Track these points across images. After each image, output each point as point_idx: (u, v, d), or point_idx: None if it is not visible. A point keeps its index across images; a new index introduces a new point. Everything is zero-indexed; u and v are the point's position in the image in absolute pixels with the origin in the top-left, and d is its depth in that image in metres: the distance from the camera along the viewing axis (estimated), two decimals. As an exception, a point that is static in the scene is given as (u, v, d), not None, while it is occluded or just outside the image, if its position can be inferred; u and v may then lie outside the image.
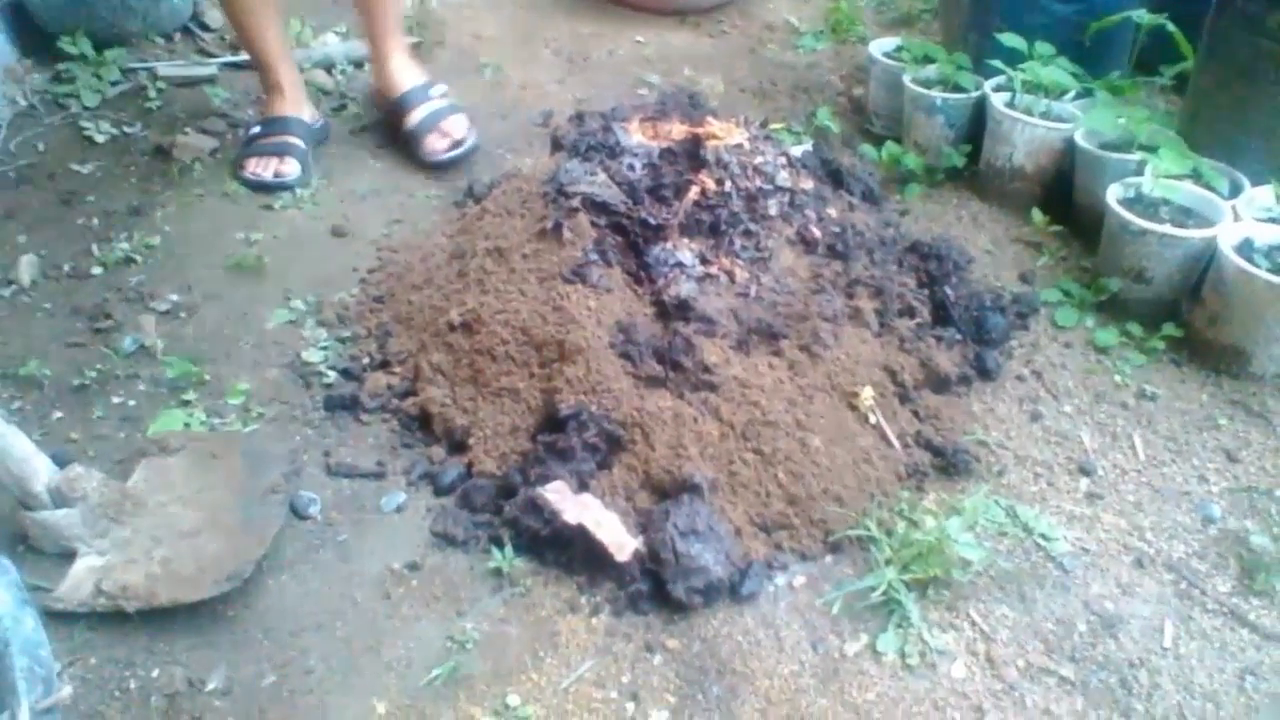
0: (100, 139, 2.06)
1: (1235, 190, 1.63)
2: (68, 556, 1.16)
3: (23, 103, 2.14)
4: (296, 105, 2.06)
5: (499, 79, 2.42)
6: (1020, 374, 1.52)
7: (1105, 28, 1.94)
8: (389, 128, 2.12)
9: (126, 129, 2.09)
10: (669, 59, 2.55)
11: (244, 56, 2.40)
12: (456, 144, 2.02)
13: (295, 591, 1.17)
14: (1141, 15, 1.93)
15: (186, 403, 1.42)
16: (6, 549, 1.16)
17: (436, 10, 2.69)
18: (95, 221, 1.81)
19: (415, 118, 2.04)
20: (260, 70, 2.05)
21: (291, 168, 1.95)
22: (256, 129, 2.02)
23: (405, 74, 2.09)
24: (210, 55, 2.41)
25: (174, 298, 1.62)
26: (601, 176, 1.45)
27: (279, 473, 1.28)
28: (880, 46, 2.17)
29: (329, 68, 2.35)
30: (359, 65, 2.38)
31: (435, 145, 2.02)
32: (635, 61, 2.54)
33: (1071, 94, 1.89)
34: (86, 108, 2.14)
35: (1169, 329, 1.57)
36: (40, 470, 1.16)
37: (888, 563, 1.19)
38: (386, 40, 2.08)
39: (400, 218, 1.87)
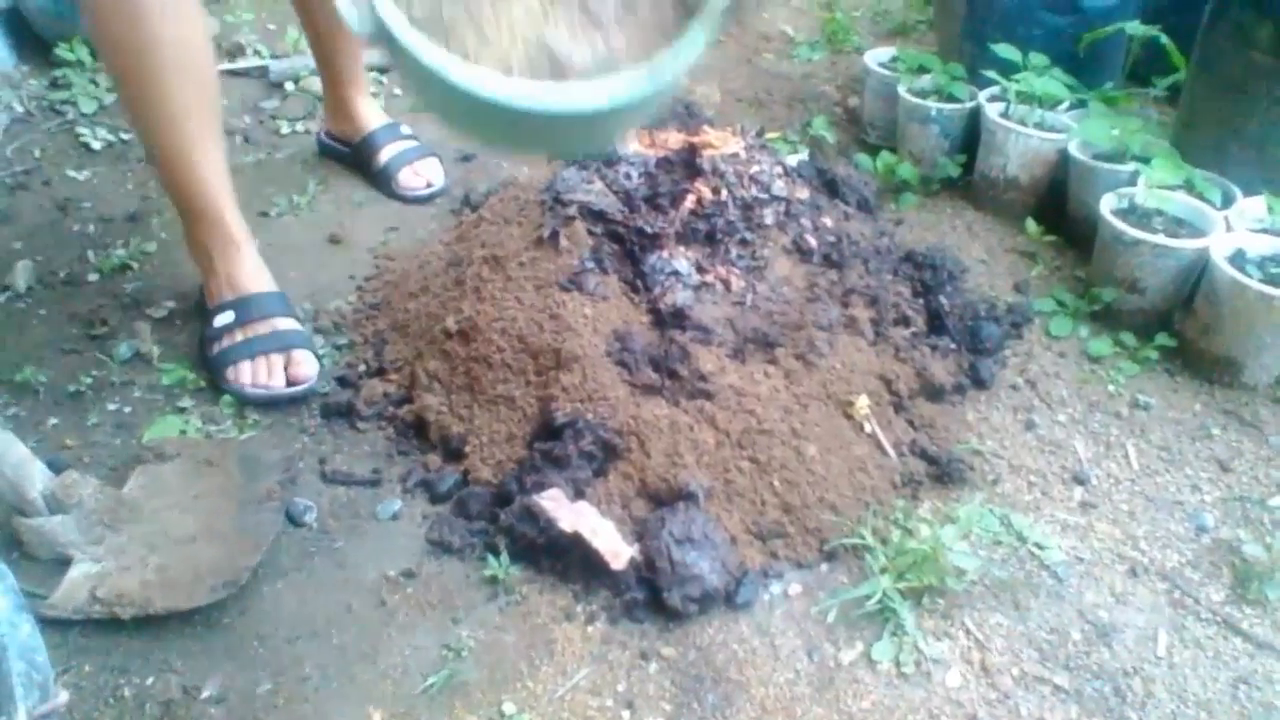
0: (97, 146, 2.06)
1: (1228, 201, 1.64)
2: (62, 563, 1.16)
3: (19, 109, 2.15)
4: (262, 270, 1.53)
5: (496, 87, 2.43)
6: (1014, 383, 1.53)
7: (1099, 39, 1.96)
8: (357, 165, 2.03)
9: (124, 136, 2.10)
10: (665, 68, 2.56)
11: (240, 63, 2.41)
12: (429, 184, 1.96)
13: (291, 599, 1.17)
14: (1135, 27, 1.95)
15: (182, 409, 1.42)
16: (1, 555, 1.16)
17: (433, 19, 2.69)
18: (92, 228, 1.81)
19: (385, 155, 1.96)
20: (200, 225, 1.47)
21: (307, 367, 1.45)
22: (227, 317, 1.46)
23: (372, 114, 2.00)
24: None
25: (170, 304, 1.62)
26: (598, 185, 1.46)
27: (274, 480, 1.28)
28: (875, 57, 2.18)
29: (325, 75, 2.36)
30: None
31: (411, 182, 1.95)
32: (631, 70, 2.55)
33: (1065, 105, 1.91)
34: (84, 114, 2.15)
35: (1162, 339, 1.58)
36: (35, 476, 1.16)
37: (883, 571, 1.19)
38: (354, 83, 1.96)
39: (397, 225, 1.87)
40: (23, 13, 2.31)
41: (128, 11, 1.30)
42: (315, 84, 2.32)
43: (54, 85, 2.22)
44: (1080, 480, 1.37)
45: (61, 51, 2.25)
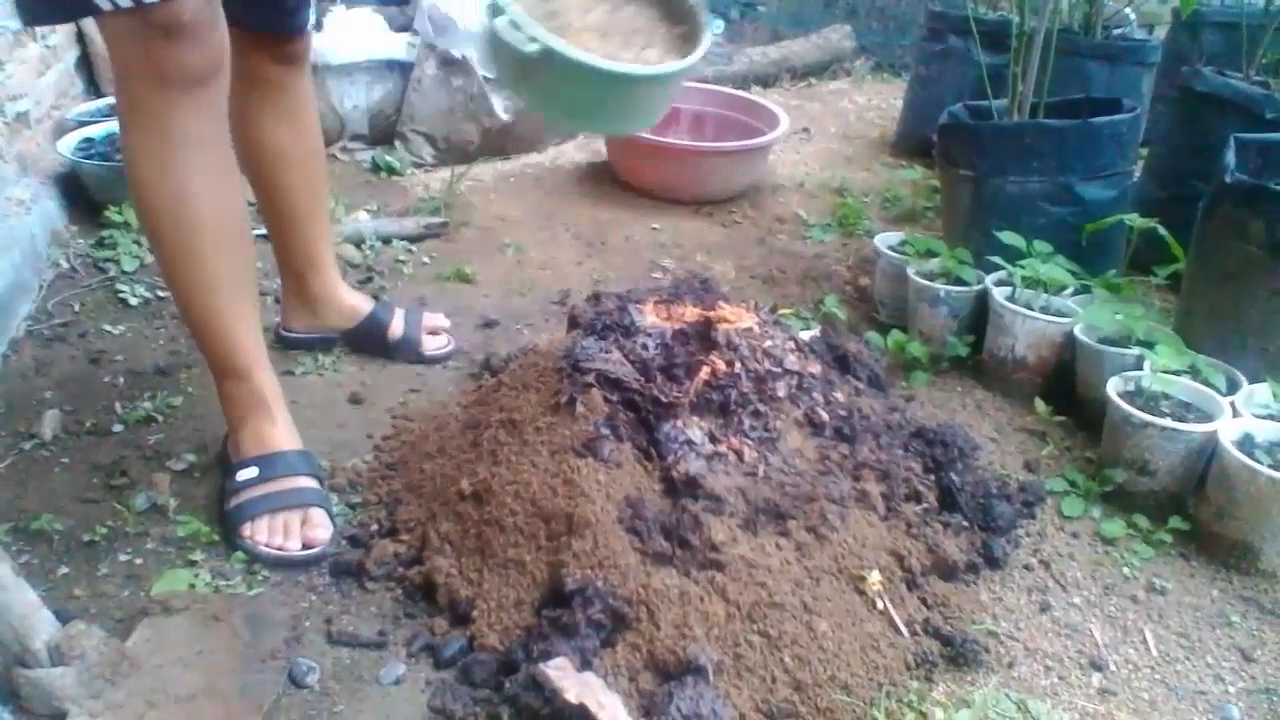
0: (134, 301, 2.14)
1: (1233, 387, 1.67)
2: (59, 717, 1.14)
3: (65, 265, 2.24)
4: (290, 429, 1.55)
5: (520, 258, 2.53)
6: (1028, 563, 1.52)
7: (1100, 229, 2.04)
8: (357, 343, 2.00)
9: (160, 293, 2.18)
10: (683, 245, 2.67)
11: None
12: (449, 339, 2.03)
13: (286, 765, 1.14)
14: (1134, 219, 2.03)
15: (193, 562, 1.42)
16: (-2, 708, 1.14)
17: (464, 193, 2.84)
18: (121, 380, 1.86)
19: (398, 328, 1.97)
20: (231, 383, 1.50)
21: (323, 530, 1.45)
22: (250, 472, 1.48)
23: (358, 297, 1.98)
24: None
25: (190, 458, 1.65)
26: (616, 354, 1.50)
27: (280, 639, 1.27)
28: (885, 240, 2.27)
29: (359, 243, 2.46)
30: (387, 241, 2.50)
31: (435, 344, 2.00)
32: (651, 247, 2.66)
33: (1070, 290, 1.97)
34: (125, 272, 2.24)
35: (1176, 522, 1.57)
36: (42, 627, 1.15)
37: (896, 756, 1.15)
38: (333, 266, 1.93)
39: (418, 387, 1.91)
40: (79, 176, 2.45)
41: (168, 184, 1.35)
42: (347, 250, 2.43)
43: (100, 244, 2.32)
44: (1098, 666, 1.34)
45: (110, 213, 2.37)
